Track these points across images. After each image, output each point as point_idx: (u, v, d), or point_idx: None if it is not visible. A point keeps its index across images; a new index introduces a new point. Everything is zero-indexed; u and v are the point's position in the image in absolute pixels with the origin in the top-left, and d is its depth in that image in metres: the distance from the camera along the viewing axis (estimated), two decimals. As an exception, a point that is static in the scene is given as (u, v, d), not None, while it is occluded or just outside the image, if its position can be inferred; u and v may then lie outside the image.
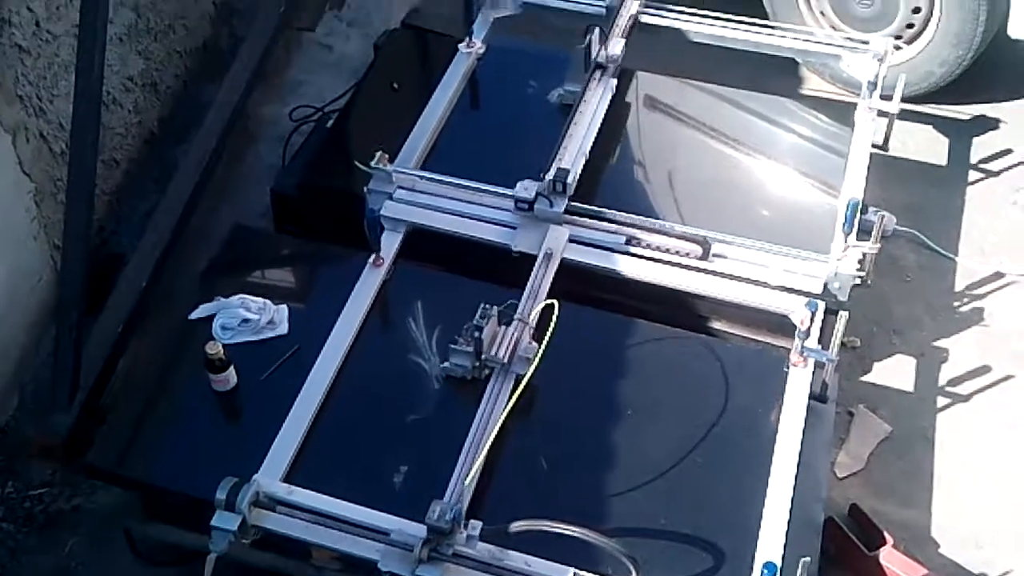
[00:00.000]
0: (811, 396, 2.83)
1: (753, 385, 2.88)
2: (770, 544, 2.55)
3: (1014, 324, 3.63)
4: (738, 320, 3.11)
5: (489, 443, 2.56)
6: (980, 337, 3.60)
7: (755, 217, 3.29)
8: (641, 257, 3.06)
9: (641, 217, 3.13)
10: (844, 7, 4.15)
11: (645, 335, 3.00)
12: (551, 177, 3.14)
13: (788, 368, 2.87)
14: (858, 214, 2.99)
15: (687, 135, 3.60)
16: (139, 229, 3.61)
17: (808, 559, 2.42)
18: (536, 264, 3.03)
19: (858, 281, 2.98)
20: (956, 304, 3.70)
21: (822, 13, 4.21)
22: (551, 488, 2.69)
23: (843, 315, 2.88)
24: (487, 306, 2.78)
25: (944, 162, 4.14)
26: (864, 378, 3.51)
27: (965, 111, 4.26)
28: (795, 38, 3.71)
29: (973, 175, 4.09)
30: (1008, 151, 4.15)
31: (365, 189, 3.18)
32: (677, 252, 3.05)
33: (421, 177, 3.24)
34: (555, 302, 2.74)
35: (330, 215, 3.37)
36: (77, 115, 3.09)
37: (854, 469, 3.29)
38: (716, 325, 3.14)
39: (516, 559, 2.46)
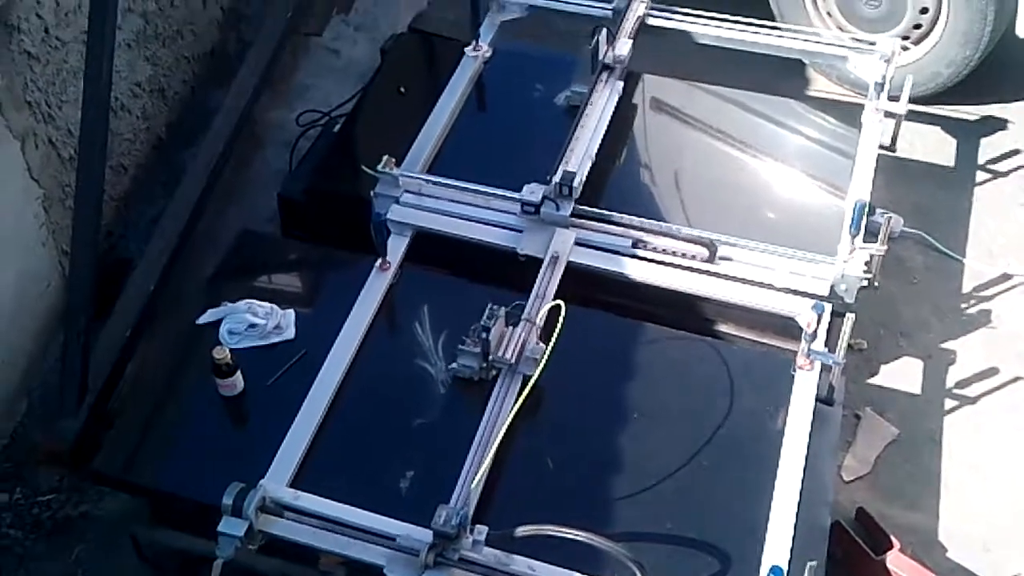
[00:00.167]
0: (818, 399, 2.83)
1: (759, 388, 2.87)
2: (776, 548, 2.55)
3: (1022, 326, 3.61)
4: (744, 323, 3.11)
5: (496, 444, 2.56)
6: (988, 339, 3.59)
7: (762, 219, 3.29)
8: (647, 260, 3.06)
9: (647, 220, 3.13)
10: (851, 8, 4.14)
11: (651, 338, 3.00)
12: (557, 180, 3.14)
13: (794, 371, 2.86)
14: (865, 216, 2.98)
15: (693, 137, 3.60)
16: (147, 234, 3.62)
17: (815, 563, 2.42)
18: (542, 267, 3.03)
19: (865, 283, 2.98)
20: (964, 306, 3.68)
21: (829, 14, 4.20)
22: (557, 492, 2.69)
23: (850, 317, 2.87)
24: (494, 307, 2.78)
25: (952, 163, 4.13)
26: (871, 381, 3.50)
27: (973, 112, 4.24)
28: (802, 39, 3.71)
29: (981, 176, 4.07)
30: (1016, 152, 4.14)
31: (372, 193, 3.18)
32: (683, 255, 3.05)
33: (427, 181, 3.25)
34: (562, 303, 2.74)
35: (337, 220, 3.38)
36: (85, 121, 3.10)
37: (861, 472, 3.28)
38: (722, 328, 3.14)
39: (521, 564, 2.46)
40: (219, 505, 2.49)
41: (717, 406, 2.83)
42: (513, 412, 2.62)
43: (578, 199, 3.17)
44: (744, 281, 3.02)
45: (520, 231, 3.14)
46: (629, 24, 3.67)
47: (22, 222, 3.31)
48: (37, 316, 3.40)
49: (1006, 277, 3.75)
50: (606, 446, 2.77)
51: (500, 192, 3.18)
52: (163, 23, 3.97)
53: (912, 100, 3.51)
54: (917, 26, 4.09)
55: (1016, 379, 3.48)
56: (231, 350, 2.81)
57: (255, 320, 2.97)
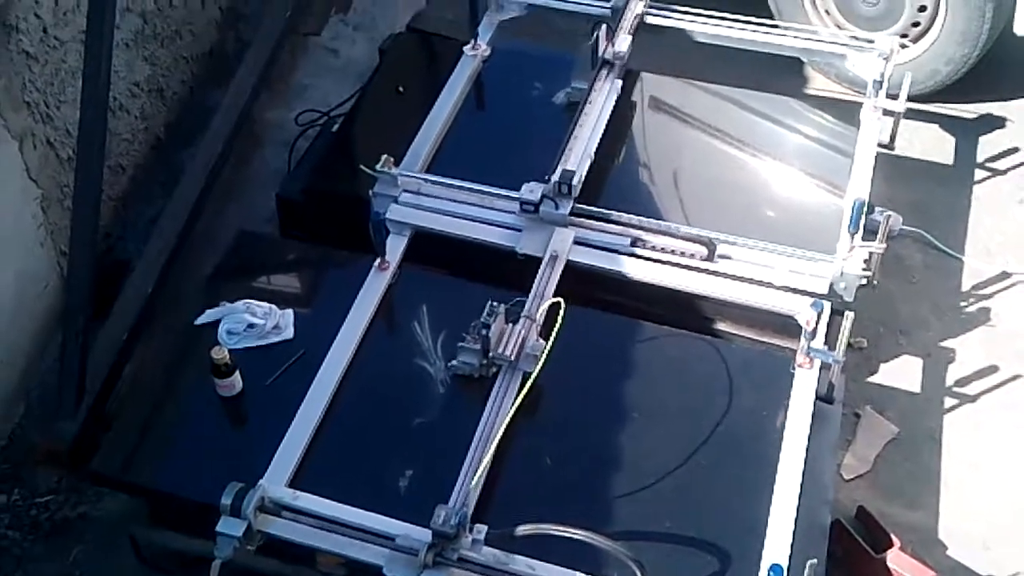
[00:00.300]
0: (817, 397, 2.82)
1: (759, 386, 2.87)
2: (777, 546, 2.55)
3: (1021, 324, 3.61)
4: (744, 321, 3.10)
5: (496, 442, 2.56)
6: (987, 337, 3.59)
7: (761, 218, 3.28)
8: (646, 259, 3.06)
9: (646, 219, 3.13)
10: (849, 6, 4.14)
11: (650, 337, 3.00)
12: (556, 179, 3.14)
13: (794, 369, 2.86)
14: (864, 214, 2.98)
15: (692, 136, 3.60)
16: (145, 235, 3.62)
17: (815, 561, 2.42)
18: (541, 266, 3.02)
19: (864, 281, 2.97)
20: (963, 304, 3.68)
21: (827, 12, 4.20)
22: (556, 491, 2.69)
23: (849, 315, 2.86)
24: (494, 304, 2.78)
25: (950, 161, 4.13)
26: (871, 379, 3.50)
27: (971, 110, 4.24)
28: (800, 37, 3.70)
29: (979, 174, 4.07)
30: (1015, 150, 4.14)
31: (370, 192, 3.18)
32: (682, 253, 3.04)
33: (426, 180, 3.24)
34: (561, 300, 2.74)
35: (336, 220, 3.38)
36: (84, 121, 3.10)
37: (861, 471, 3.28)
38: (722, 326, 3.14)
39: (521, 563, 2.46)
40: (218, 505, 2.49)
41: (717, 404, 2.82)
42: (513, 409, 2.61)
43: (577, 198, 3.16)
44: (743, 279, 3.01)
45: (519, 230, 3.13)
46: (628, 22, 3.67)
47: (20, 222, 3.30)
48: (35, 316, 3.39)
49: (1005, 275, 3.75)
50: (606, 445, 2.77)
51: (499, 191, 3.18)
52: (162, 23, 3.96)
53: (910, 98, 3.51)
54: (915, 24, 4.08)
55: (1015, 377, 3.48)
56: (230, 350, 2.81)
57: (254, 320, 2.97)
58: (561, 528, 2.37)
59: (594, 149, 3.33)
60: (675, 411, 2.84)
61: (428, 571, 2.42)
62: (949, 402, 3.44)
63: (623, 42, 3.58)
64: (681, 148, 3.57)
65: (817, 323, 2.81)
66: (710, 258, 3.03)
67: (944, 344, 3.57)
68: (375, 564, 2.46)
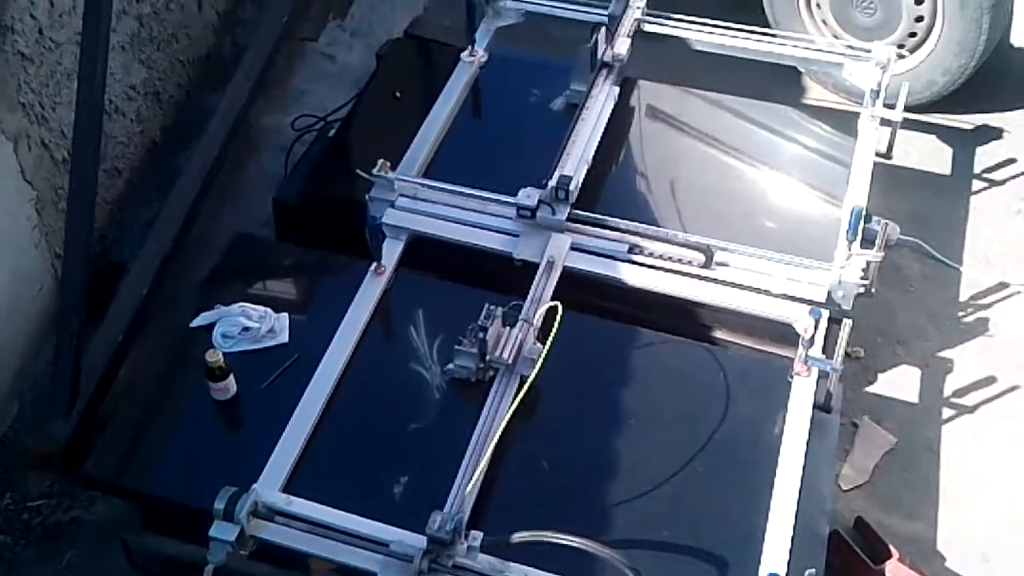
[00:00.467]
0: (815, 406, 2.81)
1: (756, 394, 2.86)
2: (774, 556, 2.53)
3: (1019, 334, 3.60)
4: (741, 328, 3.09)
5: (492, 447, 2.54)
6: (985, 347, 3.58)
7: (758, 226, 3.28)
8: (644, 265, 3.05)
9: (644, 225, 3.12)
10: (846, 16, 4.15)
11: (647, 343, 2.99)
12: (553, 184, 3.13)
13: (791, 377, 2.85)
14: (862, 221, 2.97)
15: (689, 144, 3.59)
16: (140, 238, 3.60)
17: (813, 571, 2.41)
18: (538, 272, 3.01)
19: (862, 289, 2.96)
20: (960, 314, 3.68)
21: (824, 22, 4.21)
22: (553, 497, 2.67)
23: (847, 323, 2.85)
24: (491, 307, 2.76)
25: (948, 171, 4.13)
26: (868, 389, 3.49)
27: (968, 120, 4.25)
28: (797, 46, 3.70)
29: (977, 184, 4.07)
30: (1012, 160, 4.14)
31: (367, 196, 3.16)
32: (680, 260, 3.04)
33: (423, 185, 3.23)
34: (559, 304, 2.72)
35: (332, 224, 3.36)
36: (79, 123, 3.09)
37: (859, 481, 3.26)
38: (719, 334, 3.12)
39: (517, 571, 2.44)
40: (211, 510, 2.46)
41: (714, 412, 2.81)
42: (510, 414, 2.60)
43: (574, 204, 3.16)
44: (741, 287, 3.01)
45: (516, 235, 3.12)
46: (625, 29, 3.67)
47: (15, 224, 3.29)
48: (29, 319, 3.37)
49: (1003, 285, 3.74)
50: (603, 451, 2.75)
51: (496, 196, 3.17)
52: (158, 26, 3.95)
53: (907, 108, 3.51)
54: (912, 34, 4.09)
55: (1013, 388, 3.47)
56: (224, 353, 2.79)
57: (249, 323, 2.95)
58: (557, 535, 2.35)
59: (591, 155, 3.32)
60: (672, 418, 2.83)
61: (422, 577, 2.40)
62: (947, 412, 3.43)
63: (622, 44, 3.58)
64: (678, 156, 3.56)
65: (815, 331, 2.80)
66: (707, 265, 3.02)
67: (942, 354, 3.57)
68: (369, 570, 2.44)
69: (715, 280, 3.02)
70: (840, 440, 3.03)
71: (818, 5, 4.19)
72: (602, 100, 3.48)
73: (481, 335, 2.73)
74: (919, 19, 4.05)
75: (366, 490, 2.66)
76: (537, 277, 3.00)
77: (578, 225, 3.13)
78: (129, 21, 3.77)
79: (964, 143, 4.19)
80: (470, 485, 2.51)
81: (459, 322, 2.81)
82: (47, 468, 3.10)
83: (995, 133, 4.22)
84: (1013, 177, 4.09)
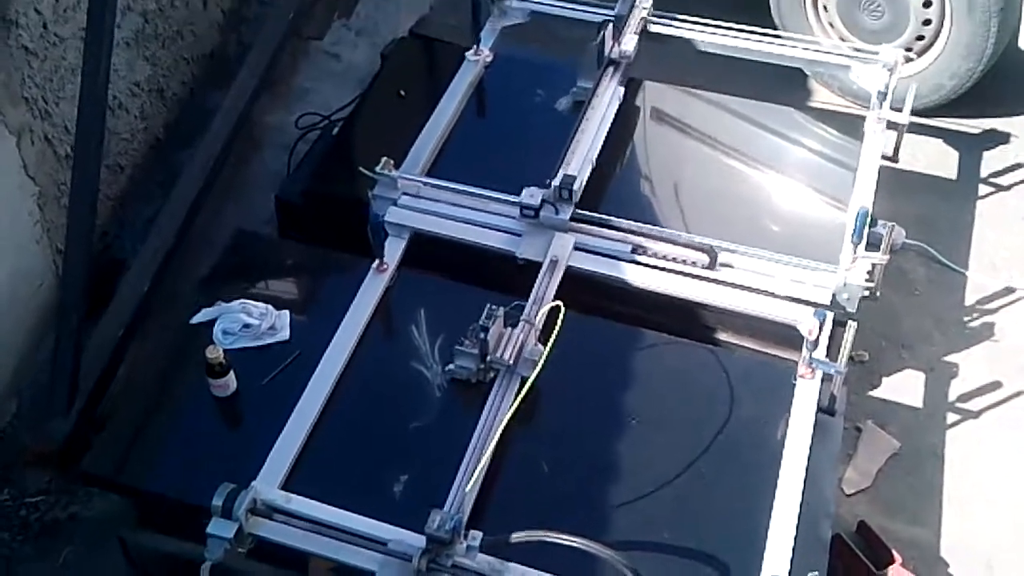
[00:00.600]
0: (819, 409, 2.79)
1: (760, 396, 2.83)
2: (776, 559, 2.50)
3: (1025, 340, 3.59)
4: (745, 330, 3.07)
5: (492, 447, 2.52)
6: (990, 352, 3.56)
7: (763, 228, 3.26)
8: (647, 265, 3.03)
9: (647, 225, 3.10)
10: (853, 18, 4.13)
11: (651, 344, 2.96)
12: (557, 184, 3.11)
13: (795, 380, 2.83)
14: (867, 223, 2.95)
15: (694, 145, 3.58)
16: (142, 234, 3.60)
17: (815, 574, 2.38)
18: (541, 271, 3.00)
19: (867, 292, 2.94)
20: (966, 319, 3.66)
21: (831, 24, 4.19)
22: (553, 498, 2.65)
23: (852, 326, 2.83)
24: (493, 307, 2.75)
25: (954, 175, 4.11)
26: (872, 393, 3.47)
27: (976, 124, 4.23)
28: (804, 48, 3.68)
29: (983, 189, 4.06)
30: (1019, 165, 4.12)
31: (370, 194, 3.15)
32: (683, 261, 3.02)
33: (426, 183, 3.22)
34: (561, 304, 2.71)
35: (334, 222, 3.35)
36: (82, 119, 3.08)
37: (862, 486, 3.24)
38: (722, 335, 3.10)
39: (516, 571, 2.41)
40: (209, 507, 2.44)
41: (717, 414, 2.79)
42: (510, 414, 2.58)
43: (578, 203, 3.14)
44: (745, 288, 2.99)
45: (519, 235, 3.10)
46: (632, 29, 3.66)
47: (17, 219, 3.28)
48: (29, 314, 3.36)
49: (1009, 290, 3.73)
50: (604, 452, 2.73)
51: (499, 195, 3.15)
52: (163, 23, 3.95)
53: (914, 112, 3.49)
54: (920, 37, 4.07)
55: (1019, 393, 3.45)
56: (224, 350, 2.78)
57: (249, 320, 2.93)
58: (557, 535, 2.33)
59: (596, 155, 3.30)
60: (675, 420, 2.81)
61: (421, 577, 2.38)
62: (952, 417, 3.41)
63: (629, 41, 3.57)
64: (683, 157, 3.55)
65: (819, 332, 2.77)
66: (711, 266, 3.00)
67: (947, 359, 3.55)
68: (368, 569, 2.43)
69: (719, 281, 3.00)
70: (844, 444, 3.02)
71: (825, 7, 4.17)
72: (607, 100, 3.47)
73: (482, 335, 2.71)
74: (927, 22, 4.03)
75: (365, 488, 2.64)
76: (540, 277, 2.98)
77: (582, 225, 3.12)
78: (134, 17, 3.77)
79: (971, 147, 4.18)
80: (470, 485, 2.50)
81: (461, 321, 2.80)
82: (45, 465, 3.09)
83: (1002, 137, 4.21)
84: (1020, 182, 4.08)
